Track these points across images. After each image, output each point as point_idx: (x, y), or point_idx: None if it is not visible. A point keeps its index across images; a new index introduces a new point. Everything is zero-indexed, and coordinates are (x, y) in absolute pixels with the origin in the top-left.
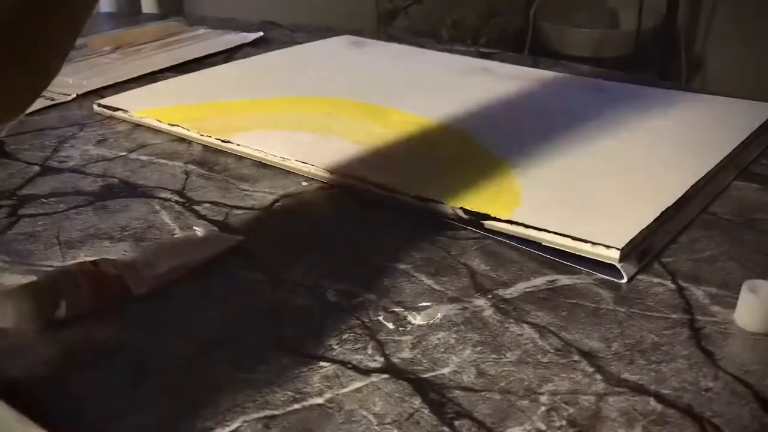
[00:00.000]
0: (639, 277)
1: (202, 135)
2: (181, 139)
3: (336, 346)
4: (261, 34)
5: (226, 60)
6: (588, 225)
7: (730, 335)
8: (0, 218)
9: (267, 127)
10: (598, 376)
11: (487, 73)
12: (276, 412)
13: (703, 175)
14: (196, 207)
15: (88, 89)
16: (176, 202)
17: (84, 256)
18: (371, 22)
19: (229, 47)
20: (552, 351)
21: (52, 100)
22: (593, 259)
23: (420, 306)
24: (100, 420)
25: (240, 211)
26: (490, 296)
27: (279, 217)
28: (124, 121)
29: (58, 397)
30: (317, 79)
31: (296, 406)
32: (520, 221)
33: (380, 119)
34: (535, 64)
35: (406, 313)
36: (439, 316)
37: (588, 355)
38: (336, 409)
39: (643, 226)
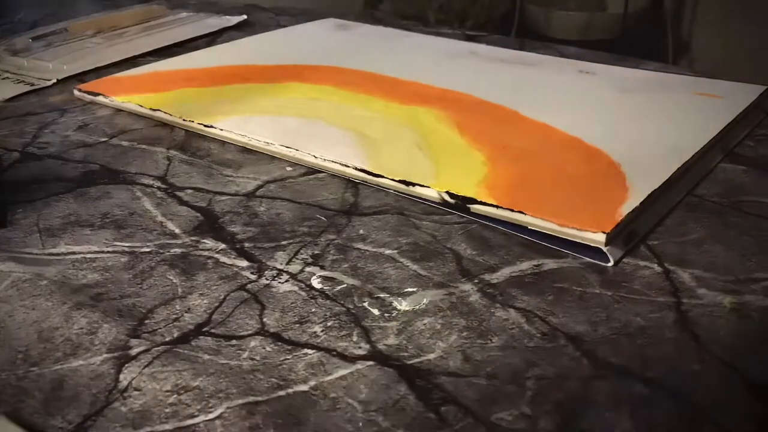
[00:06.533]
0: (625, 260)
1: (184, 120)
2: (163, 125)
3: (321, 333)
4: (244, 17)
5: (209, 44)
6: (574, 208)
7: (717, 318)
8: None
9: (250, 111)
10: (585, 360)
11: (473, 55)
12: (259, 399)
13: (689, 157)
14: (178, 193)
15: (69, 74)
16: (158, 188)
17: (65, 245)
18: (356, 6)
19: (212, 31)
20: (538, 335)
21: (32, 85)
22: (579, 243)
23: (406, 292)
24: None
25: (223, 197)
26: (476, 281)
27: (262, 203)
28: (105, 106)
29: None
30: (302, 63)
31: (280, 393)
32: (506, 205)
33: (364, 103)
34: (521, 47)
35: (391, 299)
36: (425, 301)
37: (575, 339)
38: (320, 397)
39: (630, 209)
